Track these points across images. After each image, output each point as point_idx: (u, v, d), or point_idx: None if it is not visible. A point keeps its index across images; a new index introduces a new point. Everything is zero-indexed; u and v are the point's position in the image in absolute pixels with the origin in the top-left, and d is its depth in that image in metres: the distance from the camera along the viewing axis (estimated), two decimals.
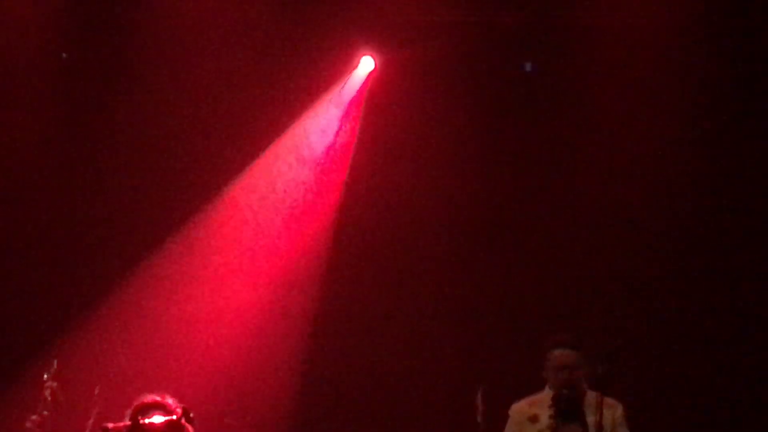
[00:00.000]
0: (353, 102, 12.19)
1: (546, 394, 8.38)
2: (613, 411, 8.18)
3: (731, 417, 10.96)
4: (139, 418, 7.73)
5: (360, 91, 12.15)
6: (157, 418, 7.77)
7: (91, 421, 10.02)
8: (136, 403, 7.95)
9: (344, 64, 12.08)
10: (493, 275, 11.90)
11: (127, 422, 7.75)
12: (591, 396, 8.18)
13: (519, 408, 8.49)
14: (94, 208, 12.12)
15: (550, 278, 11.69)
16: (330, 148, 12.30)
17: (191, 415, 7.88)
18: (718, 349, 11.21)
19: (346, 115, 12.22)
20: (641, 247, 11.50)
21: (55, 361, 10.50)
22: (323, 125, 12.29)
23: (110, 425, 8.04)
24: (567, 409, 8.19)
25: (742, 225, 11.44)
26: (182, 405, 7.95)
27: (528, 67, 11.85)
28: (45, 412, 10.18)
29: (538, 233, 11.81)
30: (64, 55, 12.15)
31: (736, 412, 10.96)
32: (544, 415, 8.27)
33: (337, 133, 12.28)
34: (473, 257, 11.96)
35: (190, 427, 7.99)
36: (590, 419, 8.04)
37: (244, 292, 12.14)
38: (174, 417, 7.84)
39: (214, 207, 12.22)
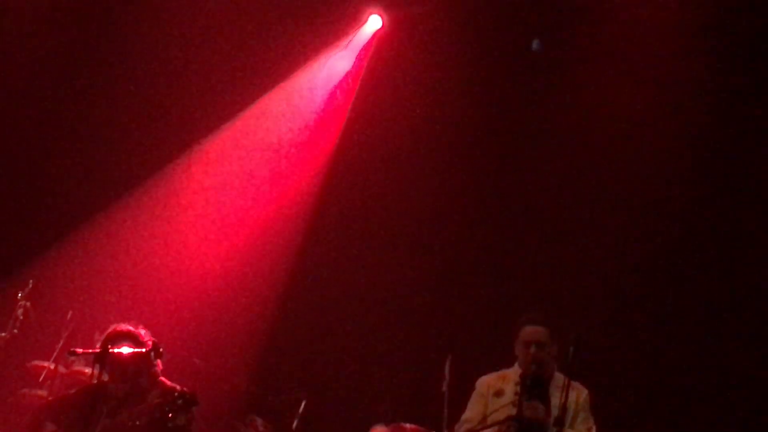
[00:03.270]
0: (357, 58, 12.15)
1: (514, 371, 8.37)
2: (578, 394, 8.18)
3: (692, 410, 10.98)
4: (109, 346, 7.74)
5: (365, 47, 12.12)
6: (126, 349, 7.78)
7: (60, 344, 10.06)
8: (109, 330, 7.96)
9: (352, 20, 12.06)
10: (477, 249, 11.90)
11: (96, 349, 7.78)
12: (558, 378, 8.18)
13: (486, 381, 8.46)
14: (84, 138, 12.10)
15: (533, 257, 11.66)
16: (328, 101, 12.28)
17: (161, 350, 7.90)
18: (685, 344, 11.22)
19: (349, 70, 12.20)
20: (623, 239, 11.46)
21: (31, 282, 10.53)
22: (324, 79, 12.27)
23: (79, 350, 8.09)
24: (533, 387, 8.19)
25: (723, 221, 11.39)
26: (153, 339, 7.97)
27: (535, 45, 11.78)
28: (15, 330, 10.22)
29: (527, 210, 11.79)
30: None
31: (698, 406, 10.97)
32: (510, 391, 8.25)
33: (337, 87, 12.26)
34: (458, 227, 11.95)
35: (158, 362, 8.02)
36: (555, 400, 8.04)
37: (226, 238, 12.15)
38: (143, 350, 7.85)
39: (204, 149, 12.22)
